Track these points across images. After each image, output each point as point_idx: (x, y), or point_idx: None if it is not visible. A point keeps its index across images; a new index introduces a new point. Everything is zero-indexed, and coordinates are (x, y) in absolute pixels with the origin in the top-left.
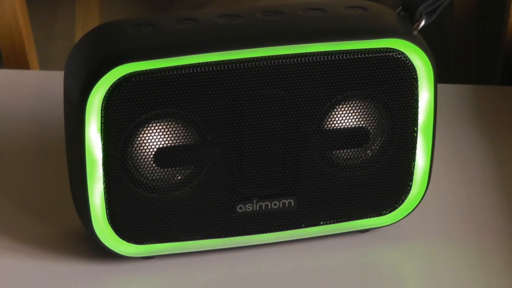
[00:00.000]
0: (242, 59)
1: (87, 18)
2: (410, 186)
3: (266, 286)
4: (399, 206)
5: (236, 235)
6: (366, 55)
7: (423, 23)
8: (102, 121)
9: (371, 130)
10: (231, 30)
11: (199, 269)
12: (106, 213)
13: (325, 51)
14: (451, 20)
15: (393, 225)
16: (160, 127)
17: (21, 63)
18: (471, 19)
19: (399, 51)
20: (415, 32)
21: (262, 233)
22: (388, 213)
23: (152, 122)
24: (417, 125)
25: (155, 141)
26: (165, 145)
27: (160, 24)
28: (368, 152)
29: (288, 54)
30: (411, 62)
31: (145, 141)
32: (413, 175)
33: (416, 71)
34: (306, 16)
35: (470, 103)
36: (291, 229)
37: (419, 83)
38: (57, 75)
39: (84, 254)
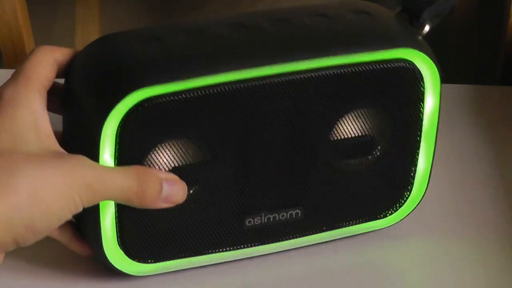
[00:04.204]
0: (256, 77)
1: (87, 18)
2: (411, 189)
3: (270, 287)
4: (399, 208)
5: (245, 247)
6: (376, 66)
7: (427, 28)
8: (117, 147)
9: (376, 137)
10: (242, 46)
11: (202, 273)
12: (117, 236)
13: (336, 65)
14: (451, 20)
15: (393, 225)
16: (172, 147)
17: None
18: (471, 19)
19: (408, 60)
20: (420, 38)
21: (269, 243)
22: (388, 216)
23: (164, 143)
24: (421, 130)
25: (166, 162)
26: (175, 165)
27: (167, 39)
28: (371, 157)
29: (300, 70)
30: (419, 70)
31: (156, 161)
32: (414, 178)
33: (423, 78)
34: (313, 25)
35: (470, 103)
36: (297, 237)
37: (425, 89)
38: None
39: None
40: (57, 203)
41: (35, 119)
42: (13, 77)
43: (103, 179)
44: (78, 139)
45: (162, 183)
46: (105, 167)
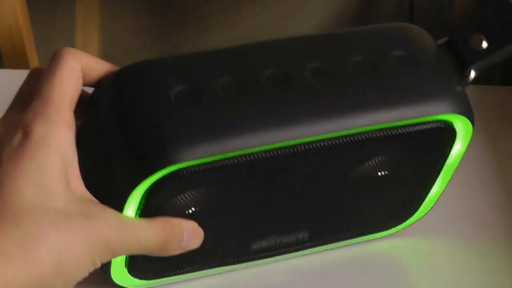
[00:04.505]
0: (295, 145)
1: (87, 18)
2: (419, 208)
3: (271, 282)
4: (402, 223)
5: (249, 262)
6: (413, 128)
7: (472, 76)
8: (141, 207)
9: (394, 172)
10: (290, 112)
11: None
12: (126, 261)
13: (378, 129)
14: (452, 20)
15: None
16: (191, 198)
17: (21, 63)
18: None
19: (447, 121)
20: (463, 90)
21: (273, 257)
22: (391, 228)
23: (189, 195)
24: (443, 169)
25: (185, 206)
26: (194, 209)
27: (206, 96)
28: (385, 185)
29: (339, 136)
30: (454, 129)
31: (176, 205)
32: (424, 200)
33: (456, 134)
34: (357, 79)
35: (470, 103)
36: (301, 250)
37: (455, 141)
38: None
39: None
40: (79, 271)
41: (65, 165)
42: (42, 102)
43: (128, 239)
44: (103, 187)
45: (184, 234)
46: (132, 222)
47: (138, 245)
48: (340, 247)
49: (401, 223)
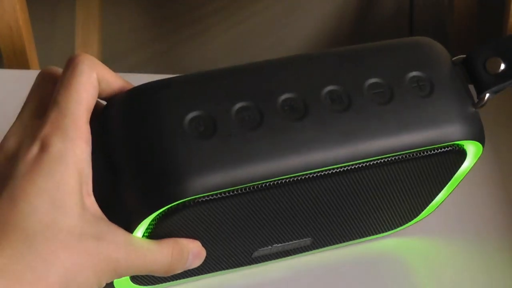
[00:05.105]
0: (312, 175)
1: (87, 18)
2: (422, 212)
3: (271, 280)
4: (404, 224)
5: (250, 266)
6: (428, 153)
7: (487, 98)
8: (150, 232)
9: (405, 190)
10: (305, 143)
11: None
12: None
13: (391, 156)
14: (451, 20)
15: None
16: (199, 221)
17: (21, 63)
18: (471, 19)
19: (459, 145)
20: (476, 113)
21: (274, 259)
22: (392, 229)
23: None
24: (449, 182)
25: (188, 228)
26: (197, 230)
27: (221, 129)
28: (389, 197)
29: (354, 169)
30: (465, 151)
31: (179, 230)
32: (428, 206)
33: (467, 156)
34: (373, 106)
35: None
36: (303, 253)
37: (465, 160)
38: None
39: None
40: None
41: (81, 182)
42: (59, 113)
43: (137, 263)
44: (113, 206)
45: (189, 256)
46: (142, 246)
47: (145, 268)
48: (341, 246)
49: (403, 224)
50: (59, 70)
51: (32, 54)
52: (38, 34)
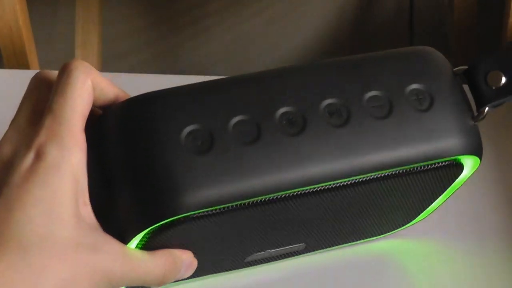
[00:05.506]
0: (312, 188)
1: (87, 18)
2: (418, 216)
3: (268, 281)
4: (399, 228)
5: (242, 269)
6: (426, 167)
7: (485, 114)
8: (144, 244)
9: (402, 200)
10: (302, 159)
11: None
12: None
13: (390, 171)
14: (451, 20)
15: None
16: (193, 234)
17: (21, 63)
18: (471, 19)
19: (457, 160)
20: (475, 126)
21: (268, 263)
22: (387, 232)
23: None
24: (443, 193)
25: (182, 240)
26: (190, 241)
27: (218, 145)
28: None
29: (351, 184)
30: (463, 165)
31: (173, 242)
32: (424, 211)
33: (464, 169)
34: (373, 121)
35: (470, 102)
36: (296, 256)
37: (461, 173)
38: (56, 75)
39: None
40: None
41: (76, 192)
42: (55, 121)
43: (131, 275)
44: (108, 216)
45: (182, 267)
46: (136, 257)
47: (139, 279)
48: (335, 249)
49: (397, 228)
50: (53, 74)
51: (32, 54)
52: (38, 34)
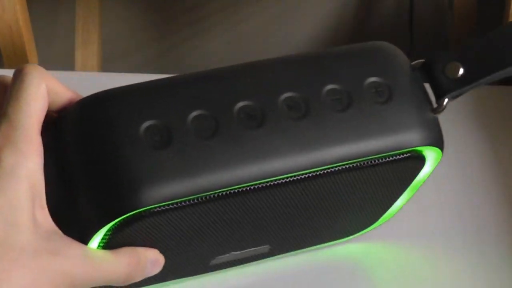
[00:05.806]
0: (272, 181)
1: (87, 18)
2: (381, 217)
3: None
4: (363, 230)
5: (207, 273)
6: (386, 159)
7: (446, 103)
8: (106, 242)
9: (364, 197)
10: (261, 152)
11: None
12: None
13: (349, 163)
14: (451, 20)
15: (393, 224)
16: (156, 230)
17: (21, 63)
18: (471, 19)
19: (418, 151)
20: (435, 118)
21: (233, 267)
22: (352, 235)
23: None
24: (408, 187)
25: (146, 236)
26: (154, 237)
27: (178, 138)
28: (350, 201)
29: (312, 176)
30: (424, 157)
31: (136, 239)
32: (387, 211)
33: (426, 161)
34: (331, 113)
35: (470, 103)
36: (262, 259)
37: (424, 166)
38: (56, 75)
39: None
40: None
41: (33, 197)
42: (10, 126)
43: (93, 275)
44: (67, 217)
45: (147, 264)
46: (98, 257)
47: (103, 279)
48: (300, 253)
49: (361, 230)
50: (7, 78)
51: (32, 54)
52: (38, 34)
